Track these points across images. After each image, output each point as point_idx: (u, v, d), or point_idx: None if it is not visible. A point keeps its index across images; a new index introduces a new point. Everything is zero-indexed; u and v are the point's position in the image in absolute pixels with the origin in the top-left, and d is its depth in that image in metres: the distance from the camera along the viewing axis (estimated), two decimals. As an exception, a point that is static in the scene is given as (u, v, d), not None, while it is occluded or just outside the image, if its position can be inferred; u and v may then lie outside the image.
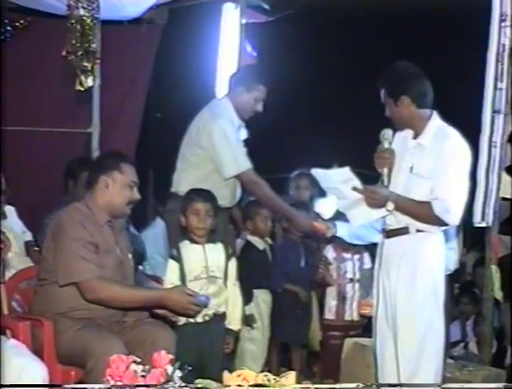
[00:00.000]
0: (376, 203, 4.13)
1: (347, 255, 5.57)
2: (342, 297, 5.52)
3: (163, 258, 5.77)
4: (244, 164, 5.14)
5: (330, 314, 5.54)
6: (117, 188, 4.19)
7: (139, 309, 4.21)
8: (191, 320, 4.34)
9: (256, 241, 5.54)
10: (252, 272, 5.27)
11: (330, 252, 5.57)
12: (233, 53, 6.57)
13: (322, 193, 6.04)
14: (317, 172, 4.38)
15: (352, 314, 5.54)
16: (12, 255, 4.69)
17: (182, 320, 4.34)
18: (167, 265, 4.54)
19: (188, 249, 4.50)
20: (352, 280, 5.55)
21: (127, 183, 4.21)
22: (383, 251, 4.28)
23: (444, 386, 3.96)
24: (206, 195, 4.59)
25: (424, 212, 4.07)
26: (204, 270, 4.46)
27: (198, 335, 4.39)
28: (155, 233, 6.62)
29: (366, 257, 5.56)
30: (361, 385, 2.72)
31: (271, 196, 5.23)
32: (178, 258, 4.46)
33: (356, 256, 5.57)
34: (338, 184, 4.22)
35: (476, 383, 4.73)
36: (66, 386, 3.52)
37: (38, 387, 3.43)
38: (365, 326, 5.39)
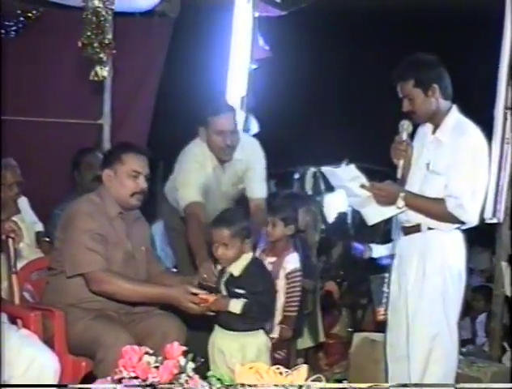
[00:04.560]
0: (385, 200, 4.07)
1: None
2: None
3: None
4: (188, 198, 4.89)
5: None
6: (119, 179, 4.18)
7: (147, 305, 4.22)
8: None
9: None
10: None
11: None
12: (246, 46, 6.55)
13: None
14: (326, 170, 4.38)
15: None
16: (23, 246, 4.69)
17: None
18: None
19: None
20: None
21: (128, 173, 4.16)
22: (399, 248, 4.25)
23: (458, 386, 3.94)
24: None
25: (436, 209, 4.01)
26: None
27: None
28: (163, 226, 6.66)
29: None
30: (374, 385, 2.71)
31: (193, 240, 4.74)
32: None
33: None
34: (346, 182, 4.16)
35: (486, 383, 4.74)
36: (69, 385, 3.53)
37: (38, 387, 3.43)
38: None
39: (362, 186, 4.10)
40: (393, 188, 4.07)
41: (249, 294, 4.15)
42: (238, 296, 4.15)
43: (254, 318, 4.21)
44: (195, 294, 4.02)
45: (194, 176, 4.91)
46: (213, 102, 5.24)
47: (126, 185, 4.17)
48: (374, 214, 4.20)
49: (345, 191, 4.30)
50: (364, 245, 4.96)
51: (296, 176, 6.52)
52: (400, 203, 4.03)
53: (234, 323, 4.17)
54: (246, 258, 4.26)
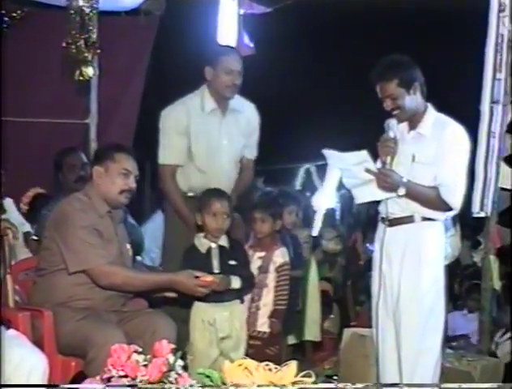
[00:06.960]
0: (388, 186, 4.17)
1: None
2: None
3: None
4: (164, 159, 5.09)
5: None
6: (110, 176, 4.20)
7: (150, 293, 4.32)
8: None
9: (200, 241, 4.59)
10: None
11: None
12: (231, 44, 6.54)
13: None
14: (329, 153, 4.37)
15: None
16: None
17: None
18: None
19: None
20: None
21: (119, 171, 4.20)
22: (384, 240, 4.30)
23: (443, 386, 3.98)
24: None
25: (432, 197, 4.15)
26: None
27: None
28: (154, 227, 6.60)
29: None
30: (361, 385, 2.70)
31: (176, 204, 5.09)
32: None
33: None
34: (351, 165, 4.24)
35: (476, 376, 4.77)
36: (64, 386, 3.52)
37: (38, 387, 3.42)
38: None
39: (367, 171, 4.18)
40: (397, 176, 4.17)
41: (240, 265, 4.59)
42: (231, 268, 4.52)
43: (249, 288, 4.72)
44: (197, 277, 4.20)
45: (179, 118, 5.03)
46: (223, 45, 5.99)
47: (116, 182, 4.20)
48: (365, 194, 4.30)
49: (345, 173, 4.33)
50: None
51: (286, 173, 6.53)
52: (401, 191, 4.16)
53: (226, 296, 4.50)
54: None
